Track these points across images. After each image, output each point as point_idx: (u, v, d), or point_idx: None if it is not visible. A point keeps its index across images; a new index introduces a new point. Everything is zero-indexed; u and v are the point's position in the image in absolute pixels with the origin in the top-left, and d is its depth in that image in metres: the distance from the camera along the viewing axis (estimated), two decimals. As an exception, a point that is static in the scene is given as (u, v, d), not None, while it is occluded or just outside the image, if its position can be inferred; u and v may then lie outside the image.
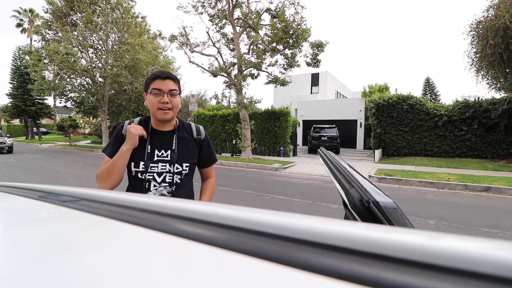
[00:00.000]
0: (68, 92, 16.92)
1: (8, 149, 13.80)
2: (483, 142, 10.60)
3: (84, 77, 15.85)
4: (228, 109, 15.26)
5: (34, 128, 27.44)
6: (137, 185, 1.16)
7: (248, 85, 11.28)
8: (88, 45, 15.24)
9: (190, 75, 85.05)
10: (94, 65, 15.46)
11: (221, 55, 11.62)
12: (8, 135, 17.37)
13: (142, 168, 1.14)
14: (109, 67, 15.22)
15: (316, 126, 14.54)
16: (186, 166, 1.19)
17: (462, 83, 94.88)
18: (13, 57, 26.52)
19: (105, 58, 15.65)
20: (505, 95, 10.52)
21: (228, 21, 11.07)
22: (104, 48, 16.12)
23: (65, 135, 21.15)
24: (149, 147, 1.16)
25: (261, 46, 10.98)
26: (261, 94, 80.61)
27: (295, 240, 0.24)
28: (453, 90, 77.50)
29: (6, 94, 26.00)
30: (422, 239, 0.22)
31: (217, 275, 0.22)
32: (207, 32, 11.49)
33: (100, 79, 16.36)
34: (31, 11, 32.12)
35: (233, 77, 11.03)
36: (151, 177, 1.15)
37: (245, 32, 11.31)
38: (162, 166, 1.16)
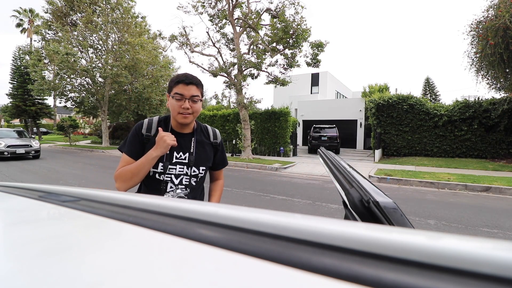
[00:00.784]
0: (68, 92, 16.92)
1: (35, 153, 10.96)
2: (483, 142, 10.60)
3: (84, 77, 15.86)
4: (228, 109, 15.27)
5: (34, 128, 27.44)
6: (154, 185, 1.17)
7: (248, 85, 11.29)
8: (88, 45, 15.26)
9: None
10: (94, 65, 15.48)
11: (221, 55, 11.63)
12: (32, 136, 14.04)
13: (161, 169, 1.15)
14: (109, 67, 15.23)
15: (316, 126, 14.54)
16: (202, 170, 1.21)
17: (462, 83, 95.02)
18: (13, 57, 26.53)
19: (105, 58, 15.66)
20: (505, 95, 10.53)
21: (228, 21, 11.07)
22: (104, 48, 16.13)
23: (65, 135, 21.15)
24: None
25: (261, 46, 10.98)
26: (261, 94, 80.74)
27: (295, 240, 0.24)
28: (453, 90, 77.59)
29: (6, 94, 26.01)
30: (422, 239, 0.22)
31: (217, 275, 0.22)
32: (207, 32, 11.50)
33: (100, 79, 16.37)
34: (31, 11, 32.14)
35: (233, 77, 11.03)
36: (169, 179, 1.16)
37: (245, 32, 11.31)
38: (180, 168, 1.17)
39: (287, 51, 10.95)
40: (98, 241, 0.34)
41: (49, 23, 15.74)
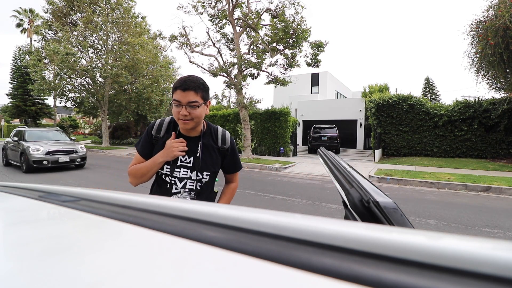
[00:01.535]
0: (68, 92, 16.92)
1: (81, 161, 8.40)
2: (483, 142, 10.60)
3: (84, 77, 15.85)
4: (228, 109, 15.27)
5: (34, 128, 27.40)
6: (163, 186, 1.20)
7: (248, 85, 11.28)
8: (88, 45, 15.25)
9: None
10: (94, 65, 15.47)
11: (221, 55, 11.63)
12: (73, 137, 10.24)
13: (167, 171, 1.17)
14: (109, 67, 15.23)
15: (316, 126, 14.54)
16: (206, 175, 1.21)
17: (462, 83, 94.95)
18: (13, 57, 26.57)
19: (105, 58, 15.65)
20: (505, 95, 10.53)
21: (228, 21, 11.07)
22: (104, 48, 16.12)
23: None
24: None
25: (261, 46, 10.98)
26: (261, 94, 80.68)
27: (295, 240, 0.24)
28: (453, 90, 77.54)
29: (6, 94, 26.04)
30: (422, 239, 0.22)
31: (217, 275, 0.22)
32: (207, 32, 11.50)
33: (100, 79, 16.36)
34: (31, 11, 32.12)
35: (233, 77, 11.03)
36: (173, 181, 1.18)
37: (245, 32, 11.31)
38: (184, 171, 1.18)
39: (287, 51, 10.95)
40: (98, 241, 0.34)
41: (49, 23, 15.73)
